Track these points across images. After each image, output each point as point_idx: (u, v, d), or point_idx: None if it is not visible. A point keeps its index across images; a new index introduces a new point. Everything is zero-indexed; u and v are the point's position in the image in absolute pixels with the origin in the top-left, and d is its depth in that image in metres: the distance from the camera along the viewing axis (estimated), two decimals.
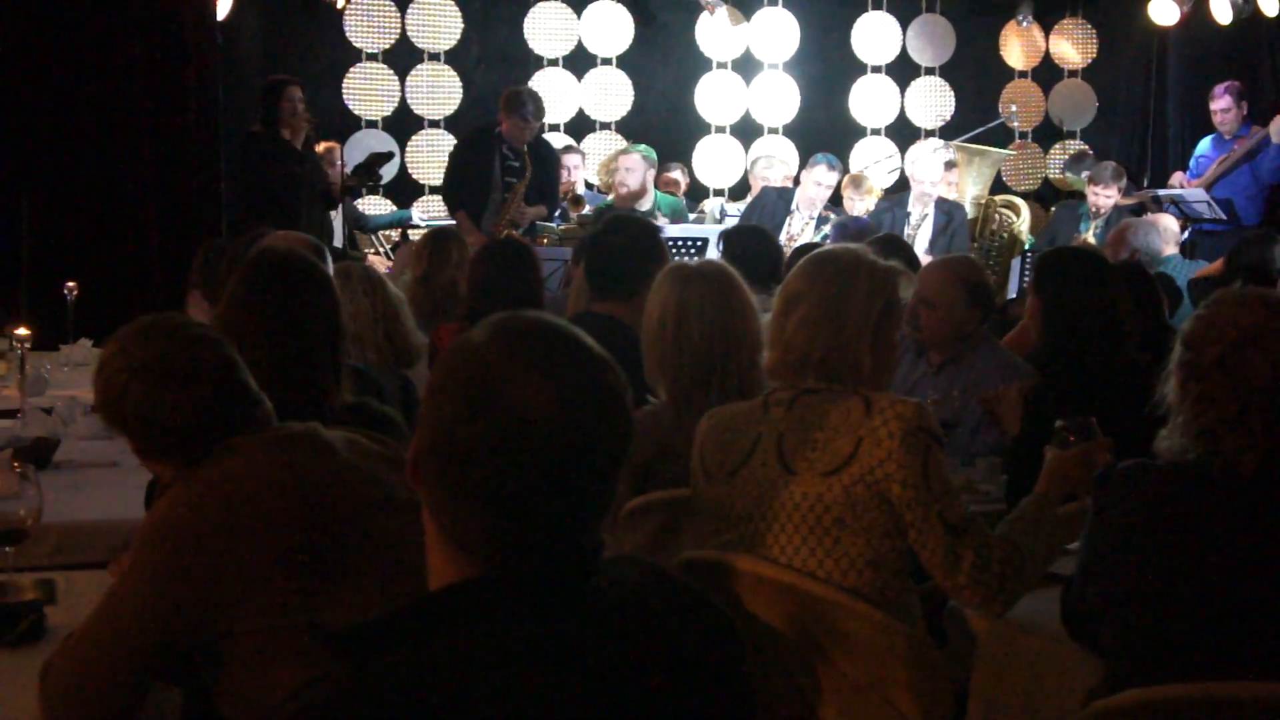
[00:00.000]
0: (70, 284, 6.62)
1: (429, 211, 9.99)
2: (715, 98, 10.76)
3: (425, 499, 1.52)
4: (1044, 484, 2.94)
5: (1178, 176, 9.53)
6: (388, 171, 9.24)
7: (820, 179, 8.55)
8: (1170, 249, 7.62)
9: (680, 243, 7.07)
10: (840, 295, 2.84)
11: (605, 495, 1.52)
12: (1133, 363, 3.74)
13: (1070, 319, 3.80)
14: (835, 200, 8.89)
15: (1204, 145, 9.51)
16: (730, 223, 8.77)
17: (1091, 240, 8.61)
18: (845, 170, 9.51)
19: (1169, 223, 8.08)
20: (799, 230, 8.49)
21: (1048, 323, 3.88)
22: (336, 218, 8.76)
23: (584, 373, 1.49)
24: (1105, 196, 8.73)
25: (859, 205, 8.84)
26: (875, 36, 10.99)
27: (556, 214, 8.82)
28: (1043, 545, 2.80)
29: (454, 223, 8.17)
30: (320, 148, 8.69)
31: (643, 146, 9.10)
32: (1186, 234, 8.84)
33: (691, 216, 9.28)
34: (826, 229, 8.21)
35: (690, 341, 3.38)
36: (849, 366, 2.81)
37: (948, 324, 4.49)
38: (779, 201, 8.68)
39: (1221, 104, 9.23)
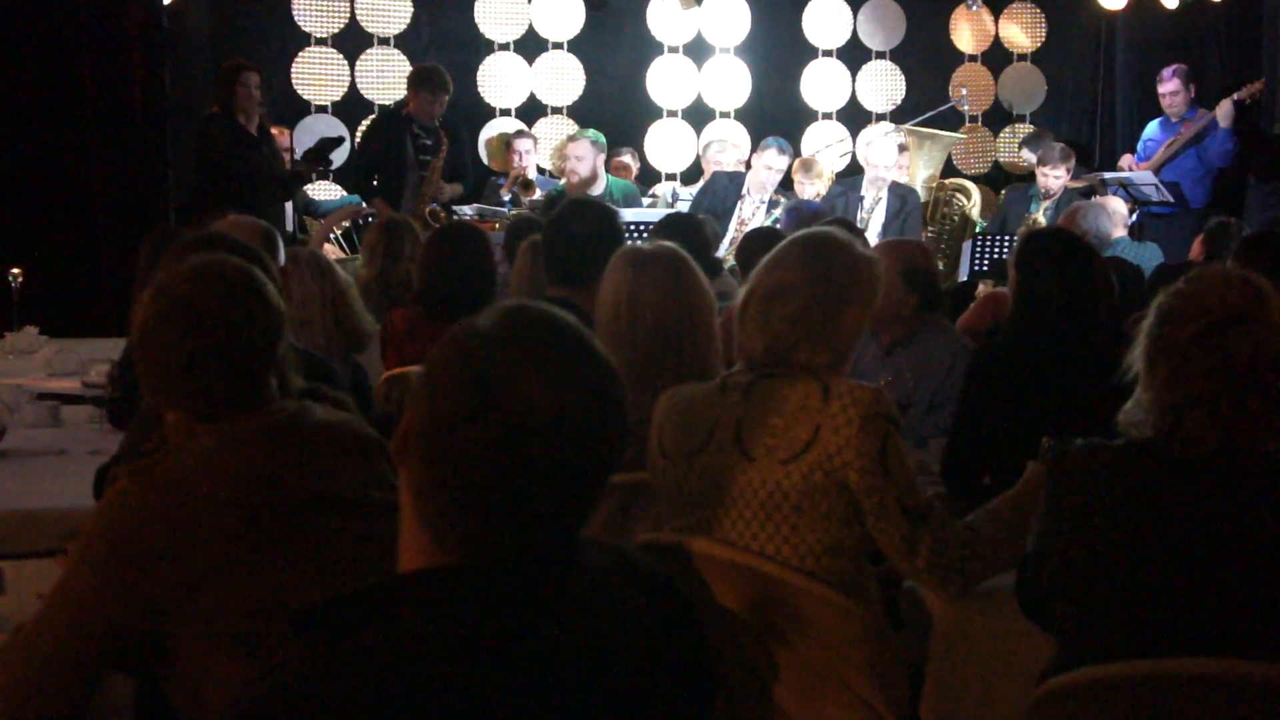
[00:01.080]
0: (15, 270, 6.55)
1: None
2: (667, 82, 10.73)
3: (408, 480, 1.50)
4: (1018, 490, 2.96)
5: (1126, 159, 9.59)
6: (338, 156, 9.17)
7: (771, 163, 8.55)
8: (1119, 231, 7.67)
9: (633, 227, 7.05)
10: (839, 298, 2.82)
11: (593, 500, 1.51)
12: (1096, 349, 3.75)
13: (1044, 298, 3.79)
14: (786, 184, 8.90)
15: (1151, 128, 9.57)
16: (682, 207, 8.77)
17: (1042, 221, 8.66)
18: (796, 154, 9.52)
19: (1117, 205, 8.14)
20: (750, 214, 8.49)
21: (1020, 298, 3.87)
22: (287, 203, 8.68)
23: (589, 379, 1.47)
24: (1054, 178, 8.76)
25: (809, 189, 8.85)
26: (826, 20, 10.99)
27: (508, 199, 8.79)
28: (1006, 536, 2.82)
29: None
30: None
31: (591, 131, 9.06)
32: (1134, 216, 8.90)
33: (646, 201, 9.26)
34: (778, 213, 8.22)
35: (644, 324, 3.37)
36: (824, 360, 2.82)
37: (882, 302, 4.49)
38: (730, 186, 8.68)
39: (1170, 87, 9.29)
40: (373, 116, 8.87)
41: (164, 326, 2.25)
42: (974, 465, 3.67)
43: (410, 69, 10.09)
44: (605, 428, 1.47)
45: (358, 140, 9.48)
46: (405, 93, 8.85)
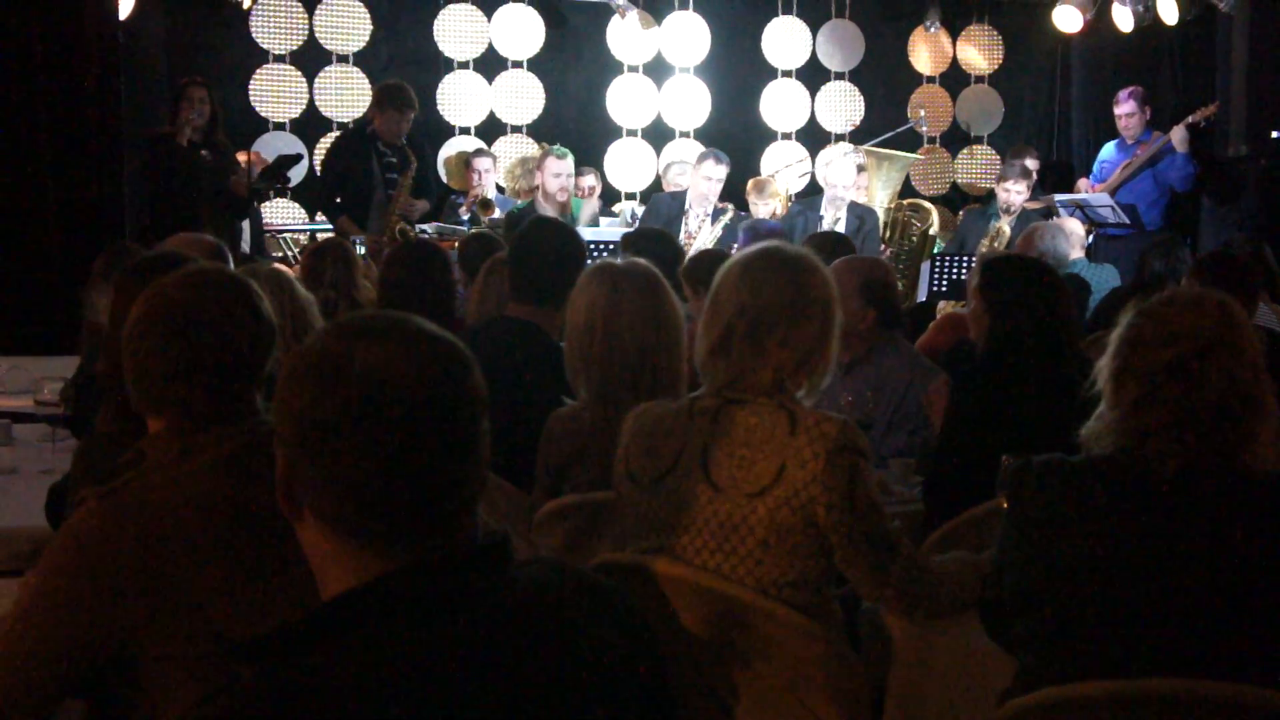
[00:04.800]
0: None
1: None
2: (627, 101, 10.74)
3: (308, 509, 1.51)
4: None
5: (1082, 183, 9.66)
6: (295, 174, 9.12)
7: (709, 173, 8.59)
8: (1076, 252, 7.74)
9: (593, 246, 7.04)
10: (829, 320, 2.81)
11: (470, 473, 1.52)
12: (1066, 374, 3.75)
13: (1016, 332, 3.78)
14: (741, 204, 8.92)
15: (1107, 150, 9.64)
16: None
17: (1006, 230, 8.71)
18: (755, 173, 9.53)
19: (1074, 226, 8.20)
20: (695, 228, 8.53)
21: (993, 334, 3.85)
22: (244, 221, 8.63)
23: (422, 339, 1.52)
24: (1016, 193, 8.81)
25: (763, 209, 8.87)
26: (785, 41, 11.02)
27: (466, 218, 8.75)
28: (975, 568, 2.81)
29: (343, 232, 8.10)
30: (241, 157, 8.59)
31: (567, 151, 8.98)
32: (1090, 238, 8.96)
33: (605, 221, 9.24)
34: (725, 220, 8.29)
35: (621, 341, 3.32)
36: (814, 385, 2.81)
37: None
38: (673, 204, 8.74)
39: (1126, 108, 9.36)
40: (335, 135, 8.78)
41: (154, 330, 2.24)
42: (956, 492, 3.64)
43: (369, 86, 10.08)
44: (450, 370, 1.51)
45: (319, 159, 9.43)
46: (366, 110, 8.81)
